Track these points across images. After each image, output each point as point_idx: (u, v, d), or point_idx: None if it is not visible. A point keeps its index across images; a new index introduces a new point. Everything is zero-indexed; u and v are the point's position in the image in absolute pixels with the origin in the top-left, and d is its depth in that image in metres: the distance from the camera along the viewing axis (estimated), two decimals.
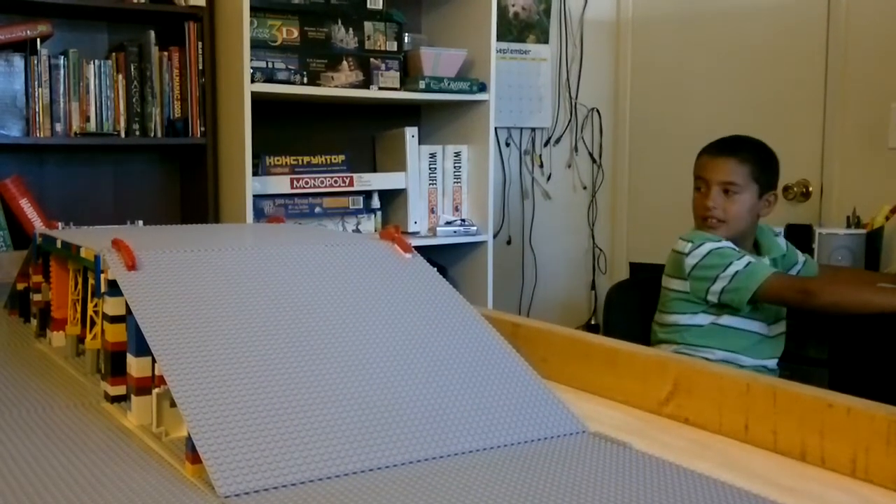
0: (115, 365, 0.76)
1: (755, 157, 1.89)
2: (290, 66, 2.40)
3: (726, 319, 1.85)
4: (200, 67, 2.38)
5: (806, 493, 0.61)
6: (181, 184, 2.59)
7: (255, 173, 2.33)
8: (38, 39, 2.25)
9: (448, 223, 2.64)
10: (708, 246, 1.83)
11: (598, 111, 3.23)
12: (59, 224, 1.93)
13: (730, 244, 1.84)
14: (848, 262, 2.32)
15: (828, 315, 1.92)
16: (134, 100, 2.35)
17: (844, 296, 1.74)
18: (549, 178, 3.21)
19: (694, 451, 0.70)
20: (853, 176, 2.64)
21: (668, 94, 3.11)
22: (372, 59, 2.52)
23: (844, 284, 1.88)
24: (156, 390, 0.68)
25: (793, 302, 1.79)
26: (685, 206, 1.99)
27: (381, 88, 2.51)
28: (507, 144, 3.13)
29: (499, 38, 2.73)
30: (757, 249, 1.95)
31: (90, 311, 0.87)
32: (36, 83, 2.23)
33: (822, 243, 2.35)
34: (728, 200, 1.86)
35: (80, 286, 0.91)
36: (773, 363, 1.90)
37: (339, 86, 2.47)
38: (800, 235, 2.38)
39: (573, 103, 3.21)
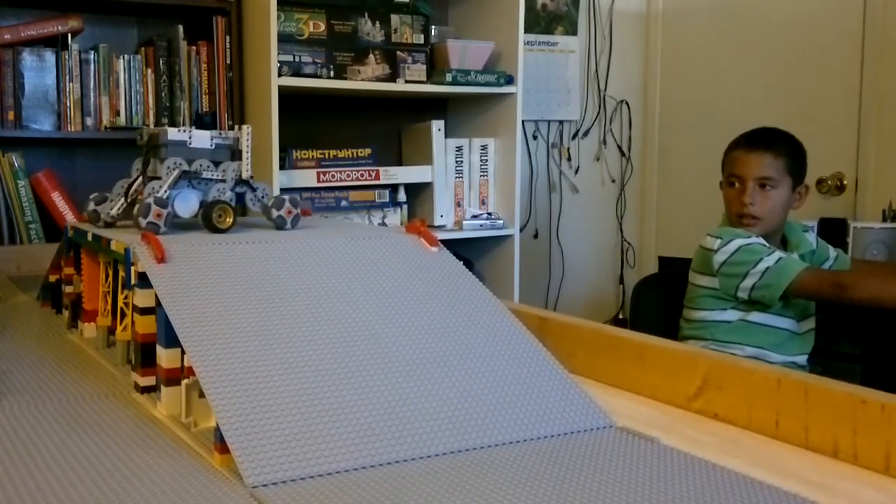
0: (144, 356, 0.77)
1: (789, 149, 1.86)
2: (316, 60, 2.40)
3: (755, 316, 1.83)
4: (228, 61, 2.40)
5: (838, 491, 0.60)
6: None
7: (281, 167, 2.34)
8: (69, 34, 2.28)
9: (474, 217, 2.63)
10: (737, 242, 1.80)
11: (627, 103, 3.20)
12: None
13: (760, 240, 1.81)
14: (883, 257, 2.28)
15: (862, 309, 1.88)
16: (163, 94, 2.37)
17: (881, 289, 1.70)
18: (576, 172, 3.19)
19: (723, 447, 0.69)
20: (889, 168, 2.59)
21: (698, 86, 3.07)
22: (398, 52, 2.52)
23: (880, 277, 1.82)
24: (185, 381, 0.69)
25: (827, 296, 1.75)
26: (715, 199, 1.96)
27: (407, 81, 2.51)
28: (535, 137, 3.11)
29: (526, 30, 2.71)
30: (784, 246, 1.92)
31: (120, 303, 0.88)
32: (67, 78, 2.26)
33: (856, 237, 2.31)
34: (764, 196, 1.83)
35: (110, 278, 0.92)
36: (802, 359, 1.88)
37: (366, 79, 2.47)
38: (834, 229, 2.34)
39: (602, 96, 3.19)
